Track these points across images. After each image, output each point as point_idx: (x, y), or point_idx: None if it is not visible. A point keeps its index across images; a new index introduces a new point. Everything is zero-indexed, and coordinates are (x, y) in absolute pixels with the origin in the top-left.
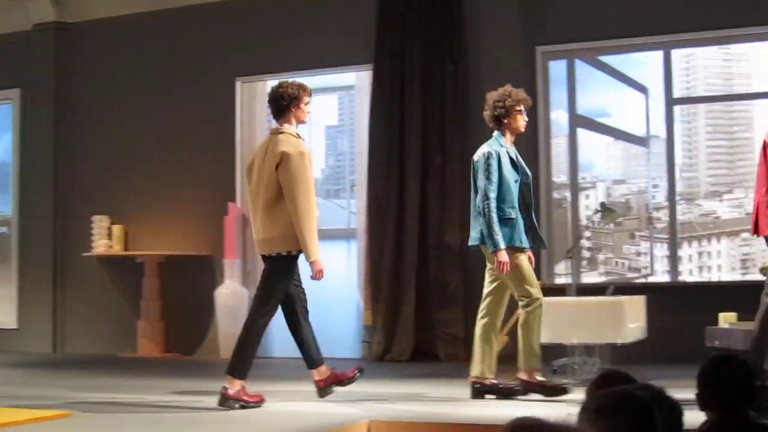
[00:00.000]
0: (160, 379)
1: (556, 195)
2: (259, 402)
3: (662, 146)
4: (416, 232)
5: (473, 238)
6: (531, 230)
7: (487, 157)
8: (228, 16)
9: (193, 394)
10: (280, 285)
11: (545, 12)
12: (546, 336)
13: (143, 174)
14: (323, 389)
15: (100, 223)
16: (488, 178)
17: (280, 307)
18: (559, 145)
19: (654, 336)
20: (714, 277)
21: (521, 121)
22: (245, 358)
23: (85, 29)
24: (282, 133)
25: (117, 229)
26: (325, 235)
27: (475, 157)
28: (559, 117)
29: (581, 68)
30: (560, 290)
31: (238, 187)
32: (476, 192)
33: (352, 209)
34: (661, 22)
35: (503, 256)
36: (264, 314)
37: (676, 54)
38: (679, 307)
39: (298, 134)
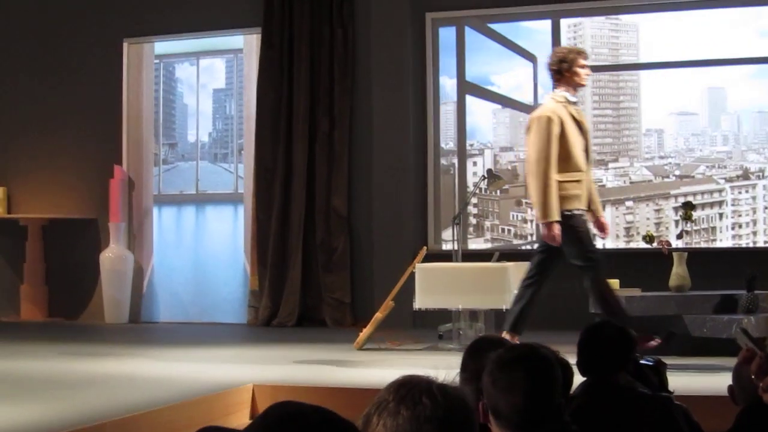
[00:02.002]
0: (44, 343)
1: (443, 161)
2: None
3: None
4: (303, 197)
5: None
6: None
7: None
8: None
9: (78, 359)
10: (575, 241)
11: None
12: (432, 301)
13: (28, 136)
14: None
15: None
16: None
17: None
18: (447, 112)
19: (538, 302)
20: (598, 244)
21: None
22: (614, 311)
23: None
24: (549, 98)
25: (0, 191)
26: (212, 199)
27: None
28: (447, 83)
29: (470, 35)
30: (446, 256)
31: (124, 149)
32: None
33: (240, 173)
34: None
35: None
36: (587, 269)
37: (564, 23)
38: (564, 273)
39: (565, 98)
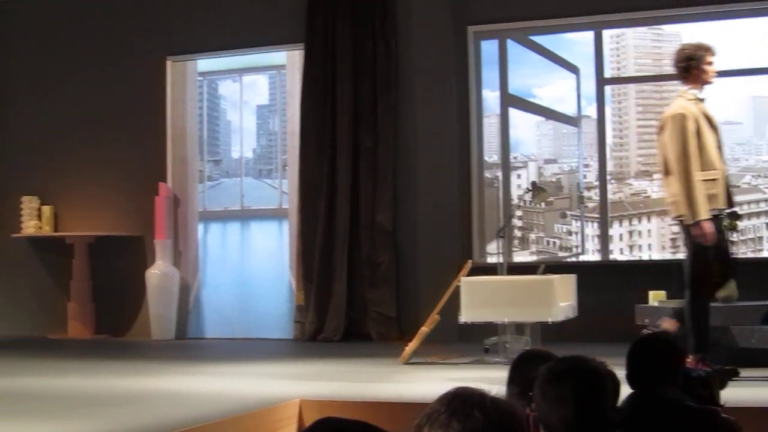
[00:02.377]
0: (91, 360)
1: (487, 174)
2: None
3: (593, 126)
4: (347, 212)
5: None
6: None
7: None
8: None
9: (125, 375)
10: (693, 250)
11: None
12: (477, 315)
13: (73, 154)
14: None
15: (29, 203)
16: None
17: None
18: (490, 125)
19: (585, 314)
20: (644, 255)
21: None
22: (699, 330)
23: (14, 6)
24: (678, 96)
25: (46, 209)
26: (257, 215)
27: None
28: (490, 96)
29: (512, 48)
30: (491, 269)
31: (168, 166)
32: None
33: (284, 189)
34: (591, 2)
35: None
36: (694, 281)
37: (607, 34)
38: (610, 285)
39: (695, 96)
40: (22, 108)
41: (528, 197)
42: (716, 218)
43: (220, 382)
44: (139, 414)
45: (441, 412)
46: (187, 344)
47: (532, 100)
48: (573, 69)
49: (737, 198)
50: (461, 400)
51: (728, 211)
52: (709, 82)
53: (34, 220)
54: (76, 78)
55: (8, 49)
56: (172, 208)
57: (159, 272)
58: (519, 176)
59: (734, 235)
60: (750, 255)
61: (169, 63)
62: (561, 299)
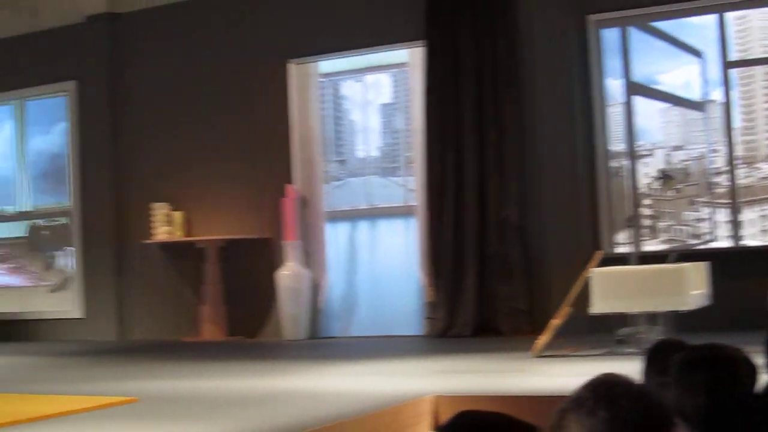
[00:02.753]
0: (226, 362)
1: (614, 164)
2: None
3: (720, 110)
4: (475, 207)
5: None
6: None
7: None
8: None
9: (260, 375)
10: None
11: None
12: (609, 306)
13: (201, 160)
14: None
15: (160, 210)
16: None
17: None
18: (615, 114)
19: (718, 302)
20: None
21: None
22: None
23: (137, 18)
24: None
25: (177, 215)
26: (383, 213)
27: None
28: (613, 85)
29: (634, 35)
30: (621, 259)
31: (295, 168)
32: None
33: (409, 186)
34: None
35: None
36: None
37: (730, 16)
38: (743, 271)
39: None
40: (151, 117)
41: (656, 185)
42: None
43: (354, 380)
44: (277, 412)
45: (587, 398)
46: (320, 344)
47: (656, 86)
48: (697, 53)
49: None
50: (608, 388)
51: None
52: None
53: (165, 226)
54: (202, 84)
55: (136, 57)
56: (299, 209)
57: (289, 273)
58: (646, 164)
59: None
60: None
61: (291, 66)
62: (693, 287)
